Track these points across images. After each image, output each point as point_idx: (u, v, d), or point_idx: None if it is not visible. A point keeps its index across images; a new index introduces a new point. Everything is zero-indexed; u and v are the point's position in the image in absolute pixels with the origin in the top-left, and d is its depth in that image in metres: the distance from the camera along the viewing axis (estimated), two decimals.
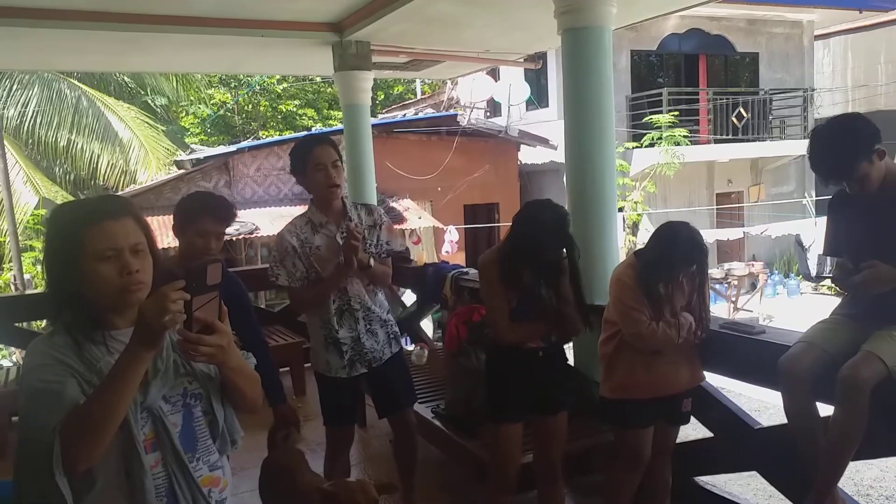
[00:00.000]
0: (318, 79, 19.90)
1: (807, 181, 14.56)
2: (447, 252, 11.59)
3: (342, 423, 2.96)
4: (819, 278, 10.21)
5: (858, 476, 5.86)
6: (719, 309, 12.39)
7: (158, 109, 16.84)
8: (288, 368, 5.18)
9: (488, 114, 15.67)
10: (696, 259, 2.56)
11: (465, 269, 4.59)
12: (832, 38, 17.01)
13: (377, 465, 3.99)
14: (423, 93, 20.62)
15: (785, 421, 2.41)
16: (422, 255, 11.55)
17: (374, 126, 6.81)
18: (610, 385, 2.72)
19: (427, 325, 6.74)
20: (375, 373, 2.89)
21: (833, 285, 2.40)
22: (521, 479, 2.72)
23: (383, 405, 3.03)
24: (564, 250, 2.57)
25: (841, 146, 2.24)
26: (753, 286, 13.01)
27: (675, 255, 2.54)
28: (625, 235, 12.25)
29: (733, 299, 12.54)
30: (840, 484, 4.92)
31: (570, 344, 3.03)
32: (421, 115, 14.68)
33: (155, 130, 14.39)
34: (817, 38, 15.74)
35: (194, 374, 1.49)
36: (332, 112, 21.01)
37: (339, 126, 6.34)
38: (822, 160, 2.29)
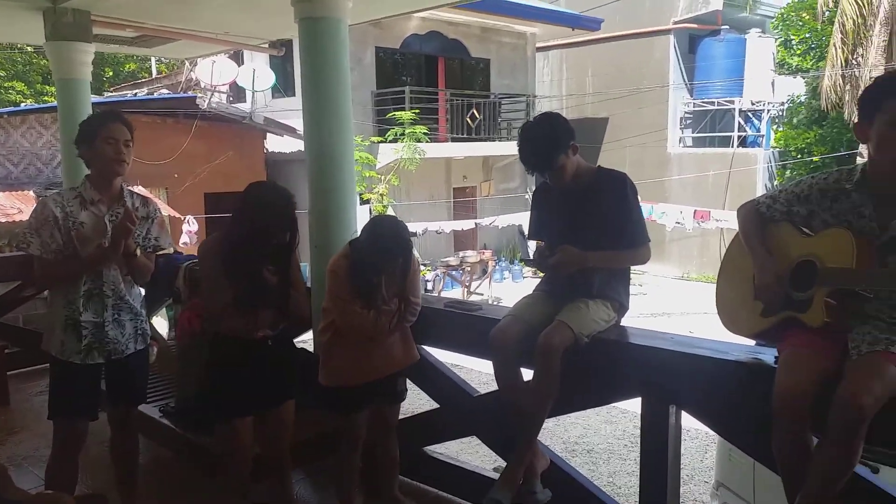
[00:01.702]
0: (30, 48, 17.37)
1: (528, 178, 16.24)
2: (185, 243, 10.90)
3: (73, 415, 2.67)
4: (523, 261, 11.53)
5: (566, 434, 6.76)
6: (455, 293, 13.36)
7: None
8: None
9: (231, 99, 15.01)
10: (402, 250, 2.68)
11: None
12: (551, 51, 19.15)
13: (97, 474, 3.66)
14: (158, 72, 19.10)
15: (496, 387, 2.70)
16: None
17: (98, 105, 6.15)
18: (326, 372, 2.78)
19: (161, 322, 6.28)
20: (113, 365, 2.70)
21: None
22: (252, 470, 2.70)
23: (110, 400, 2.81)
24: (289, 234, 2.60)
25: (542, 140, 2.55)
26: (484, 271, 14.24)
27: (384, 248, 2.63)
28: None
29: (467, 284, 13.60)
30: (549, 442, 5.57)
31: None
32: (156, 95, 13.60)
33: None
34: (539, 49, 17.60)
35: None
36: (46, 87, 18.50)
37: (55, 102, 5.61)
38: (528, 152, 2.58)
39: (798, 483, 1.89)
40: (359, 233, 2.84)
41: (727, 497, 3.68)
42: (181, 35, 5.54)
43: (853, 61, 12.54)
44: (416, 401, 3.50)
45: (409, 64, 15.14)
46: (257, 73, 12.89)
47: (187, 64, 14.12)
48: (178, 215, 11.01)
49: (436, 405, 3.21)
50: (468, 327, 2.91)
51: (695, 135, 17.57)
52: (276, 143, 13.61)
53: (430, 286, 13.64)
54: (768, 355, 2.13)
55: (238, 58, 13.91)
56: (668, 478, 2.37)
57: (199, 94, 12.63)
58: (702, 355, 2.29)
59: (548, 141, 2.52)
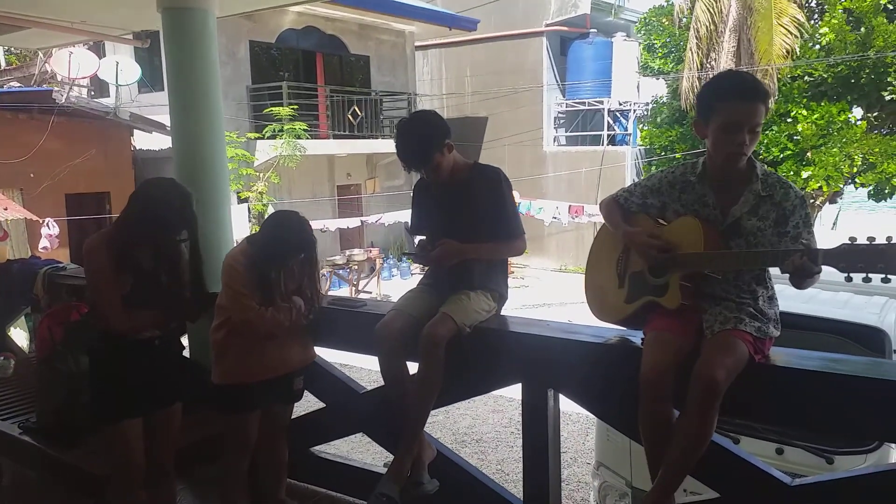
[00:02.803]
0: None
1: (414, 175, 16.32)
2: (45, 248, 10.09)
3: None
4: (404, 255, 11.68)
5: (456, 426, 6.87)
6: (343, 292, 13.23)
7: None
8: None
9: (93, 93, 14.05)
10: (305, 246, 2.67)
11: (61, 265, 4.08)
12: (430, 50, 19.33)
13: None
14: (8, 63, 17.53)
15: (383, 382, 2.71)
16: (5, 250, 9.93)
17: None
18: (220, 371, 2.71)
19: (21, 333, 5.80)
20: None
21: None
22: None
23: None
24: (185, 232, 2.49)
25: (418, 138, 2.59)
26: (372, 269, 14.19)
27: (286, 243, 2.62)
28: (250, 226, 12.20)
29: (355, 283, 13.50)
30: (439, 434, 5.65)
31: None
32: (6, 88, 12.48)
33: None
34: (418, 48, 17.73)
35: None
36: None
37: None
38: (404, 149, 2.61)
39: (660, 455, 2.03)
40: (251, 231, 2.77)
41: (606, 475, 3.87)
42: (30, 23, 5.11)
43: (708, 64, 13.53)
44: (303, 401, 3.45)
45: (287, 59, 14.79)
46: (121, 65, 12.11)
47: (41, 55, 13.05)
48: (35, 218, 10.16)
49: (322, 405, 3.18)
50: (353, 324, 2.90)
51: (568, 133, 18.34)
52: (144, 141, 12.88)
53: None
54: (636, 338, 2.28)
55: (100, 49, 13.03)
56: (549, 458, 2.47)
57: (56, 88, 11.71)
58: (576, 340, 2.42)
59: (423, 139, 2.57)
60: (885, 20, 12.10)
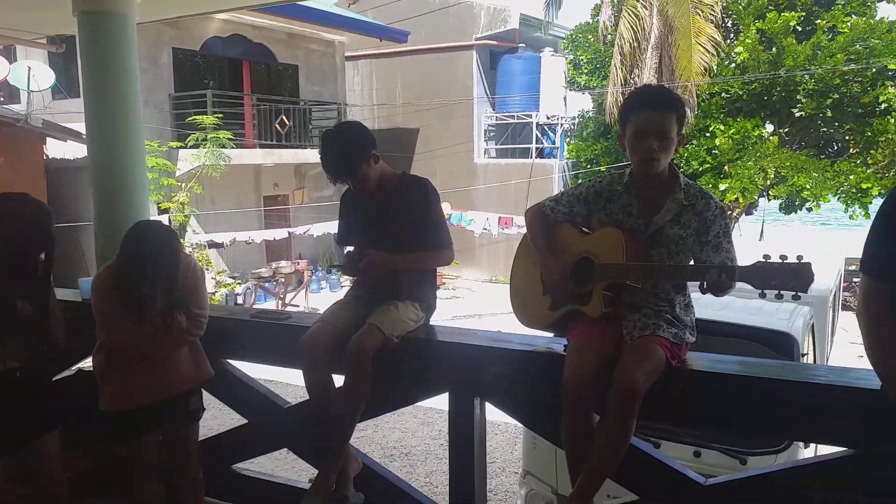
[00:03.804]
0: None
1: (341, 186, 16.15)
2: None
3: None
4: (332, 266, 11.54)
5: (385, 440, 6.81)
6: (270, 306, 12.94)
7: None
8: None
9: (2, 99, 13.33)
10: (165, 257, 2.51)
11: None
12: (361, 60, 19.27)
13: None
14: None
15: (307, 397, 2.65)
16: None
17: None
18: (106, 396, 2.57)
19: None
20: None
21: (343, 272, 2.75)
22: None
23: None
24: (44, 254, 2.36)
25: (344, 149, 2.57)
26: (300, 282, 13.94)
27: (143, 256, 2.47)
28: None
29: (282, 296, 13.23)
30: (368, 448, 5.56)
31: None
32: None
33: None
34: (348, 58, 17.64)
35: None
36: None
37: None
38: (329, 161, 2.59)
39: (581, 461, 2.07)
40: None
41: (533, 483, 3.91)
42: None
43: (631, 80, 14.01)
44: (226, 417, 3.34)
45: (212, 67, 14.44)
46: (34, 70, 11.53)
47: None
48: None
49: (244, 420, 3.09)
50: (278, 337, 2.84)
51: (498, 146, 18.60)
52: (58, 149, 12.28)
53: (240, 300, 13.06)
54: (561, 345, 2.32)
55: (10, 53, 12.38)
56: (475, 467, 2.48)
57: None
58: (503, 348, 2.44)
59: (348, 151, 2.55)
60: (794, 41, 12.85)
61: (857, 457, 1.98)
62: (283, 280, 13.24)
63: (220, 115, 12.44)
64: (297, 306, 13.26)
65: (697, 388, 2.14)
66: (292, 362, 2.67)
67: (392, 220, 2.64)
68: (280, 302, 13.12)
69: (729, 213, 14.41)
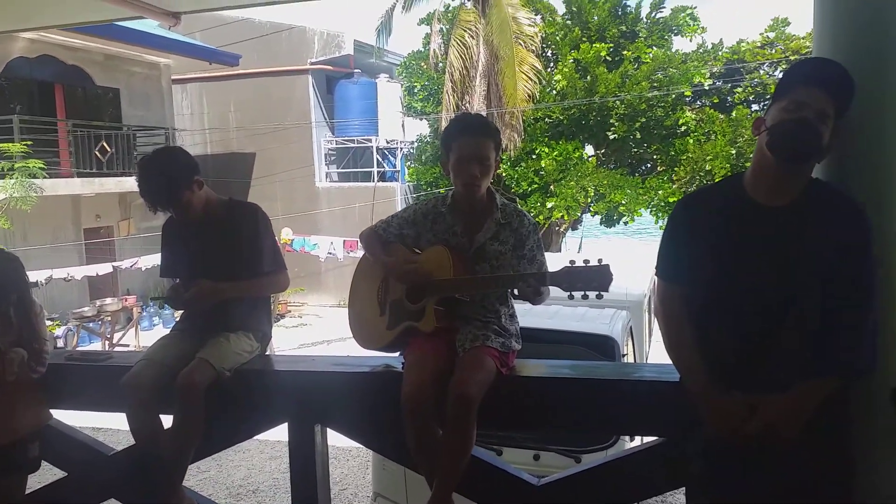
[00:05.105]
0: None
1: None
2: None
3: None
4: (154, 299, 10.97)
5: (230, 479, 6.47)
6: (95, 348, 11.88)
7: None
8: None
9: None
10: (12, 288, 2.39)
11: None
12: (189, 84, 18.42)
13: None
14: None
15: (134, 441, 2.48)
16: None
17: None
18: None
19: None
20: None
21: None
22: None
23: None
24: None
25: (166, 176, 2.46)
26: (129, 319, 12.93)
27: None
28: None
29: (108, 336, 12.19)
30: (212, 490, 5.28)
31: None
32: None
33: None
34: (175, 81, 16.80)
35: None
36: None
37: None
38: (148, 188, 2.46)
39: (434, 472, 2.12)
40: None
41: None
42: None
43: (463, 106, 14.60)
44: (42, 472, 3.03)
45: (19, 90, 13.14)
46: None
47: None
48: None
49: (63, 474, 2.82)
50: (98, 380, 2.63)
51: (340, 170, 18.54)
52: None
53: (61, 343, 11.86)
54: (398, 363, 2.36)
55: None
56: (318, 497, 2.44)
57: None
58: (341, 372, 2.44)
59: (168, 177, 2.46)
60: (605, 70, 14.05)
61: (668, 444, 2.19)
62: (109, 318, 12.20)
63: (30, 143, 11.33)
64: (127, 346, 12.28)
65: (527, 393, 2.27)
66: (116, 406, 2.49)
67: (220, 248, 2.55)
68: (107, 342, 12.08)
69: (556, 228, 15.43)
